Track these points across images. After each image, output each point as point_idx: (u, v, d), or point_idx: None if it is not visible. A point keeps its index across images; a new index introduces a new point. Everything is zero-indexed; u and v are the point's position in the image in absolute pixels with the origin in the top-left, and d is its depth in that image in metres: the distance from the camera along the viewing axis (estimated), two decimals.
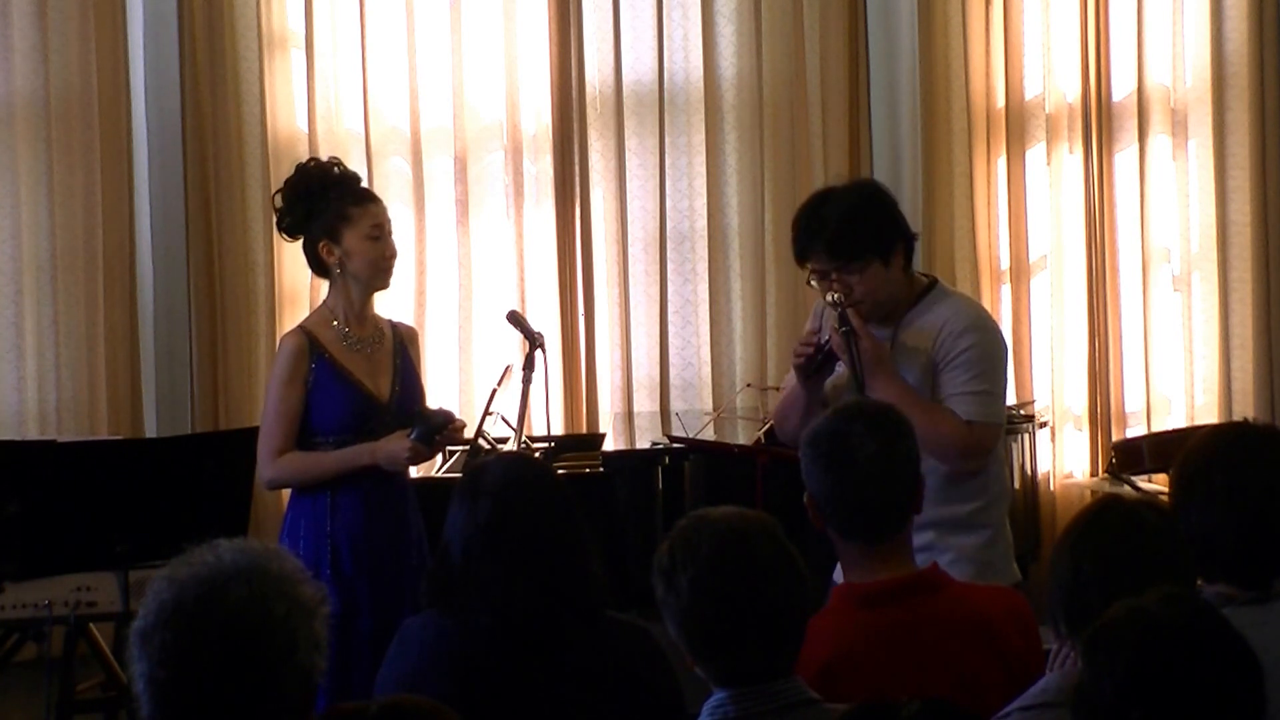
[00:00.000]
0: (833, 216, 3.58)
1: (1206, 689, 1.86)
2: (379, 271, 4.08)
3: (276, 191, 4.19)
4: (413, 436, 3.96)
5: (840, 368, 3.62)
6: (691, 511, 2.52)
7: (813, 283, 3.65)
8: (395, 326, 4.22)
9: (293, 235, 4.13)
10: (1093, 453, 6.13)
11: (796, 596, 2.44)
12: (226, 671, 1.91)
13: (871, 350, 3.52)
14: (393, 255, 4.10)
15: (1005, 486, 3.72)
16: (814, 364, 3.61)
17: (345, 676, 3.84)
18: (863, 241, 3.57)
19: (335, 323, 4.08)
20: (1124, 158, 6.16)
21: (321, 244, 4.05)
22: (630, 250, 6.14)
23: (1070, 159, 6.14)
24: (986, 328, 3.69)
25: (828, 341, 3.56)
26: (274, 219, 4.21)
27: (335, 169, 4.13)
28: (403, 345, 4.18)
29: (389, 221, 4.12)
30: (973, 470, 3.58)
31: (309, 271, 5.79)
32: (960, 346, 3.59)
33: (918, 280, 3.71)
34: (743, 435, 5.35)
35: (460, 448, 4.83)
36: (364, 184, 4.25)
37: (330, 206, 4.04)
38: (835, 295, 3.57)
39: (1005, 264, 6.17)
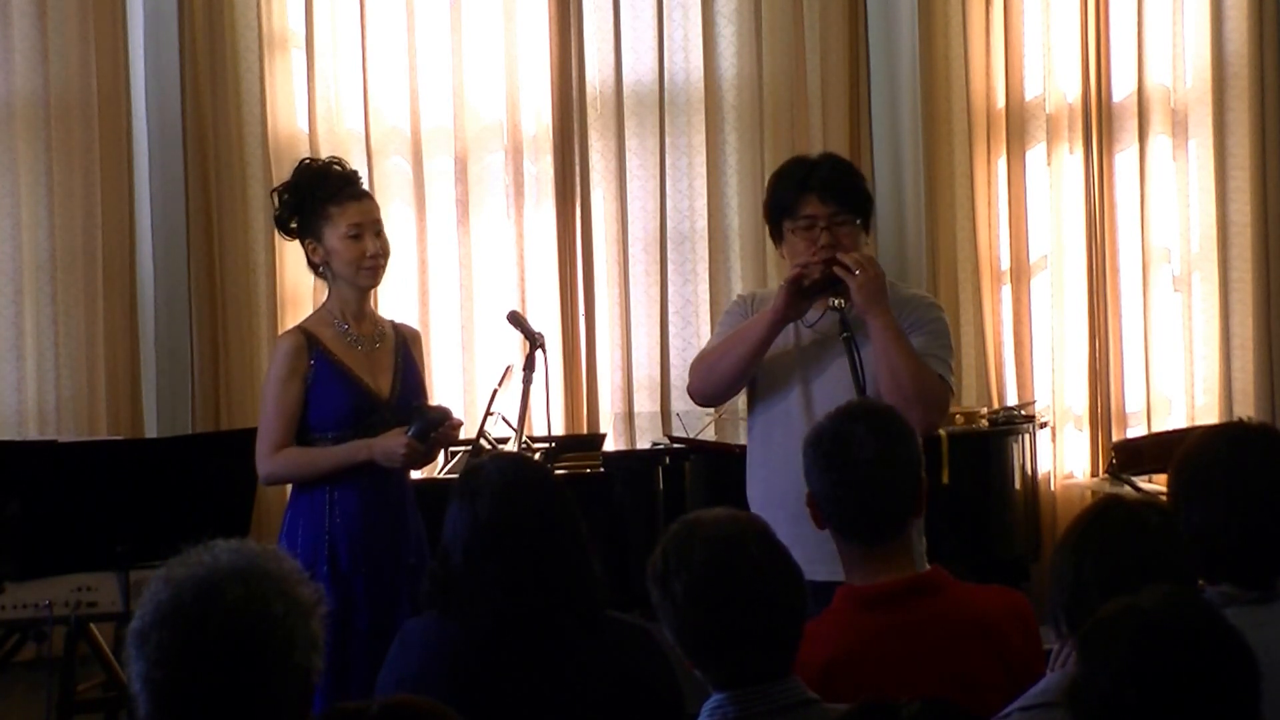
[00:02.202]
0: (832, 165, 3.77)
1: (1201, 679, 1.86)
2: (361, 270, 4.04)
3: (274, 189, 4.19)
4: (410, 433, 3.95)
5: (812, 321, 3.71)
6: (684, 515, 2.52)
7: (787, 226, 3.70)
8: (397, 327, 4.22)
9: (286, 233, 4.13)
10: (1093, 453, 6.12)
11: (791, 597, 2.43)
12: (223, 671, 1.91)
13: (874, 281, 3.57)
14: (375, 255, 4.04)
15: None
16: (815, 287, 3.63)
17: (342, 675, 3.84)
18: (858, 195, 3.74)
19: (335, 322, 4.08)
20: (1124, 158, 6.16)
21: (307, 243, 4.06)
22: (630, 250, 6.14)
23: (1070, 159, 6.14)
24: (945, 313, 3.88)
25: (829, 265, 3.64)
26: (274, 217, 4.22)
27: (335, 168, 4.12)
28: (405, 345, 4.17)
29: (375, 221, 4.07)
30: (933, 428, 3.73)
31: (310, 271, 5.82)
32: (931, 316, 3.76)
33: None
34: (743, 435, 5.34)
35: (462, 448, 4.84)
36: (361, 183, 4.23)
37: (312, 206, 4.04)
38: (837, 300, 3.59)
39: (1005, 264, 6.17)
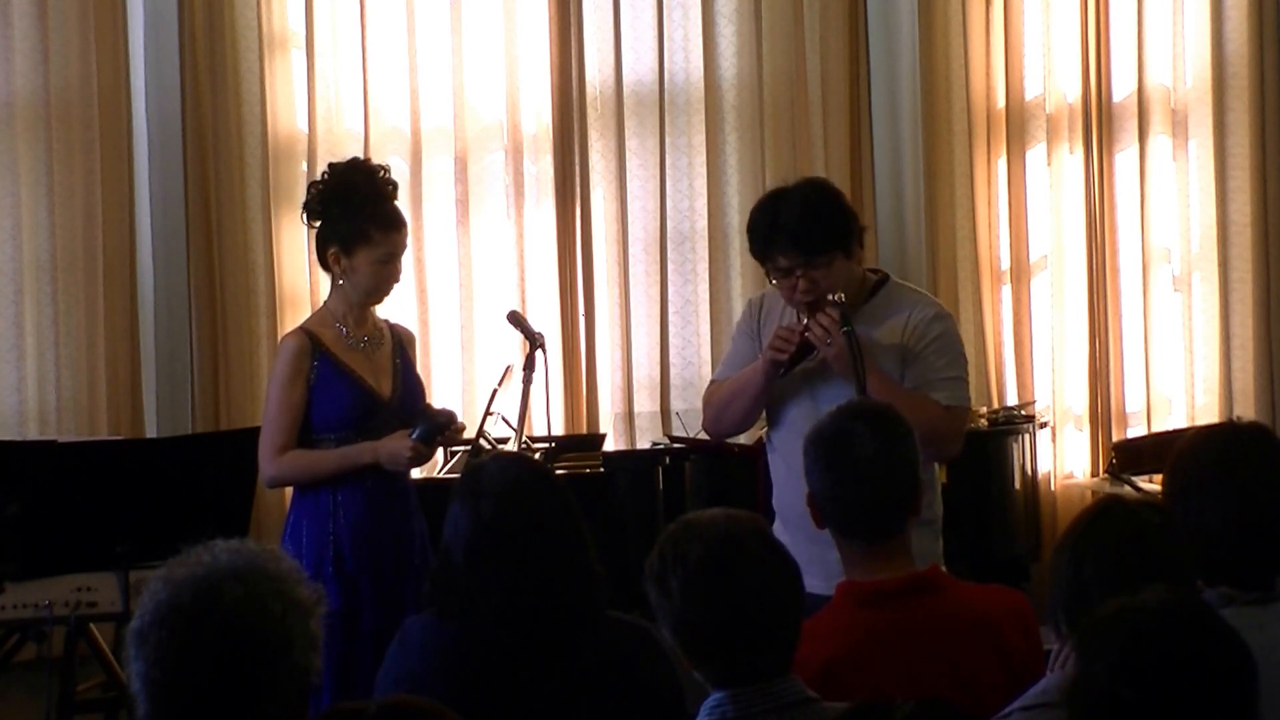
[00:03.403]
0: (795, 213, 3.63)
1: (1198, 679, 1.86)
2: (377, 293, 4.10)
3: (319, 181, 4.16)
4: (415, 435, 3.96)
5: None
6: (682, 515, 2.53)
7: (773, 282, 3.69)
8: (393, 328, 4.23)
9: (310, 222, 4.13)
10: (1093, 453, 6.13)
11: (789, 595, 2.44)
12: (222, 671, 1.91)
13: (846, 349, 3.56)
14: (396, 280, 4.10)
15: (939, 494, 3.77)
16: (794, 359, 3.64)
17: (347, 675, 3.84)
18: (826, 235, 3.64)
19: (336, 324, 4.08)
20: (1124, 158, 6.16)
21: (332, 250, 4.05)
22: (630, 250, 6.14)
23: (1070, 159, 6.14)
24: (949, 316, 3.83)
25: (805, 331, 3.62)
26: (301, 202, 4.20)
27: (380, 175, 4.10)
28: (402, 346, 4.19)
29: (404, 247, 4.11)
30: (950, 458, 3.69)
31: (309, 272, 5.82)
32: (933, 333, 3.70)
33: (867, 275, 3.80)
34: (743, 435, 5.35)
35: (462, 448, 4.84)
36: (402, 198, 4.22)
37: (355, 220, 4.02)
38: (837, 295, 3.59)
39: (1005, 264, 6.17)
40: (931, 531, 3.65)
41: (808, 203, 3.67)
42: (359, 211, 4.01)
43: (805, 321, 3.65)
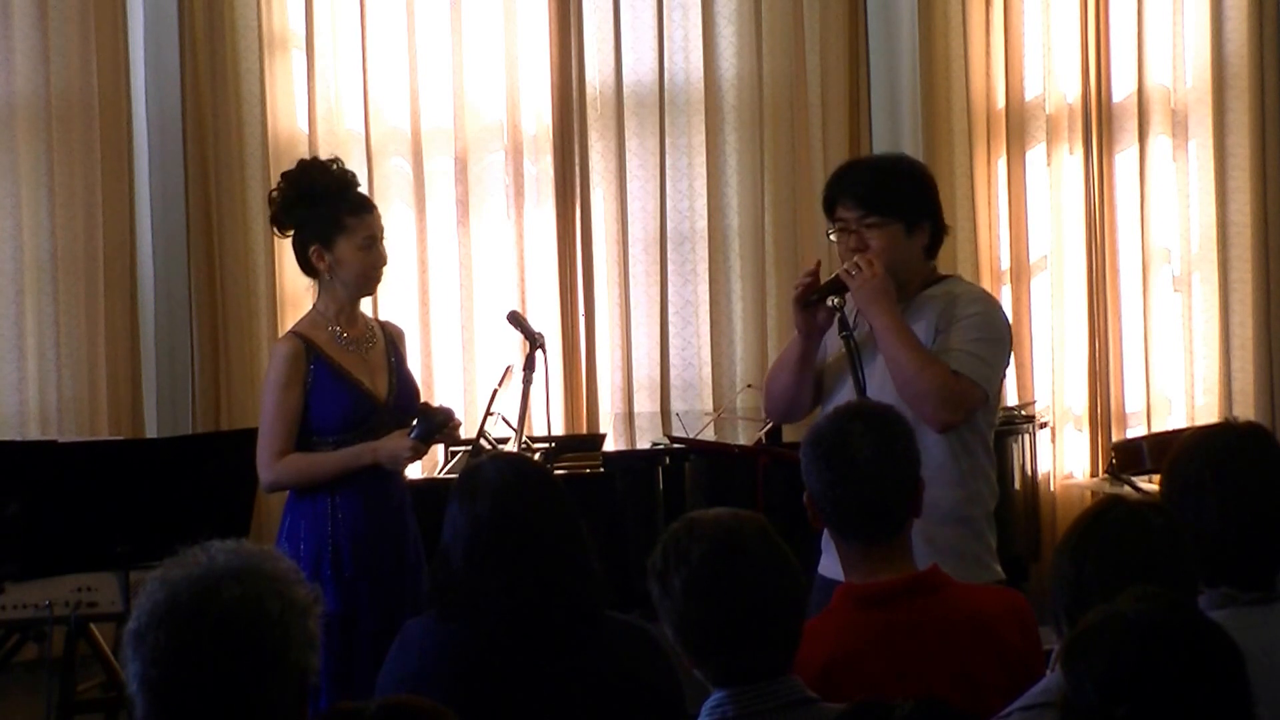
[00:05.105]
0: (870, 167, 3.74)
1: (1187, 682, 1.85)
2: (368, 280, 4.08)
3: (276, 186, 4.17)
4: (413, 435, 3.95)
5: (835, 341, 3.64)
6: (682, 515, 2.52)
7: (832, 236, 3.67)
8: (384, 326, 4.22)
9: (283, 232, 4.11)
10: (1093, 453, 6.13)
11: (791, 594, 2.44)
12: (220, 671, 1.91)
13: (870, 282, 3.52)
14: (383, 264, 4.08)
15: (992, 485, 3.66)
16: (813, 292, 3.60)
17: (347, 677, 3.84)
18: (891, 197, 3.60)
19: (329, 325, 4.07)
20: (1124, 158, 6.16)
21: (313, 249, 4.04)
22: (630, 250, 6.14)
23: (1070, 159, 6.14)
24: (996, 307, 3.74)
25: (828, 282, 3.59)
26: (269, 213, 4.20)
27: (334, 168, 4.10)
28: (394, 344, 4.18)
29: (382, 229, 4.10)
30: (948, 424, 3.51)
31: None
32: (968, 310, 3.60)
33: (935, 273, 3.73)
34: (743, 436, 5.35)
35: (462, 448, 4.84)
36: (362, 186, 4.22)
37: (326, 213, 4.02)
38: (836, 300, 3.57)
39: (1005, 264, 6.17)
40: (970, 531, 3.56)
41: (881, 163, 3.84)
42: (328, 204, 4.02)
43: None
